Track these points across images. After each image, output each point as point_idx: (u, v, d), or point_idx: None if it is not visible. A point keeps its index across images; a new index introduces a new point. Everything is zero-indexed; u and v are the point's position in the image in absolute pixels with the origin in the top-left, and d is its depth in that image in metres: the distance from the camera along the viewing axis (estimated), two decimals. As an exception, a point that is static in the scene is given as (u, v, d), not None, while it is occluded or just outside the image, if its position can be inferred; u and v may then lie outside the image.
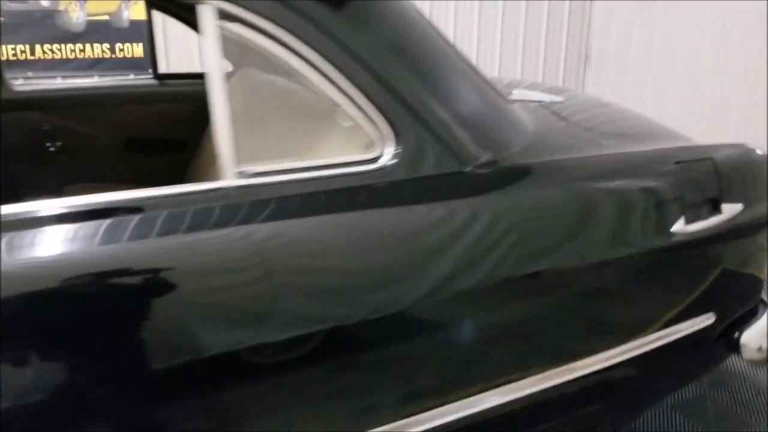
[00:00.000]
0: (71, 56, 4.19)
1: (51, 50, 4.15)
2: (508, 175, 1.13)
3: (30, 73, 3.98)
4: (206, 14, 0.90)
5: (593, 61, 5.03)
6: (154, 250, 0.84)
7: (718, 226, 1.32)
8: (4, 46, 4.01)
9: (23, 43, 4.09)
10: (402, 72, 1.03)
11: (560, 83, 5.03)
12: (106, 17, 4.21)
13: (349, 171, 1.01)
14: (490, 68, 4.85)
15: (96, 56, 4.23)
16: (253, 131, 1.01)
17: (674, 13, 4.24)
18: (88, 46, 4.18)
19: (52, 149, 1.97)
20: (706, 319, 1.40)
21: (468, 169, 1.09)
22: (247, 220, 0.90)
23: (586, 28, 5.00)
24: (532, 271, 1.10)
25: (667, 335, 1.34)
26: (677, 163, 1.32)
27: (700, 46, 4.08)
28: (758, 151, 1.51)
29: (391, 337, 0.99)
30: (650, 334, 1.31)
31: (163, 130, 2.09)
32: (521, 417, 1.18)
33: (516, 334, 1.13)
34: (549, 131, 1.39)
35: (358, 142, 1.04)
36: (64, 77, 4.10)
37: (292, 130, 1.13)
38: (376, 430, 1.00)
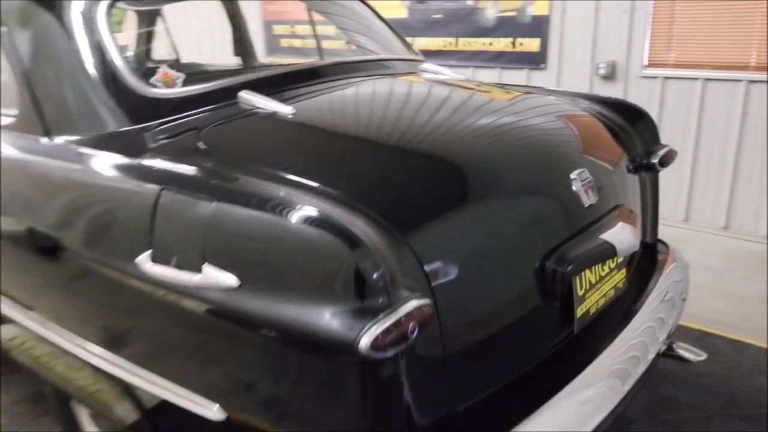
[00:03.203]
0: (481, 49, 4.82)
1: (468, 43, 4.87)
2: (73, 151, 1.43)
3: (453, 62, 4.76)
4: None
5: None
6: None
7: (191, 288, 1.07)
8: (439, 39, 4.90)
9: (450, 36, 4.92)
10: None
11: None
12: (513, 13, 4.66)
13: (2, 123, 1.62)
14: None
15: (499, 50, 4.75)
16: None
17: None
18: (495, 40, 4.73)
19: None
20: (201, 406, 1.15)
21: (48, 138, 1.48)
22: None
23: None
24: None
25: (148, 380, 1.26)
26: (165, 189, 1.17)
27: None
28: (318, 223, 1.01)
29: None
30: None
31: None
32: None
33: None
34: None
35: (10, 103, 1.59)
36: (475, 67, 4.78)
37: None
38: None
